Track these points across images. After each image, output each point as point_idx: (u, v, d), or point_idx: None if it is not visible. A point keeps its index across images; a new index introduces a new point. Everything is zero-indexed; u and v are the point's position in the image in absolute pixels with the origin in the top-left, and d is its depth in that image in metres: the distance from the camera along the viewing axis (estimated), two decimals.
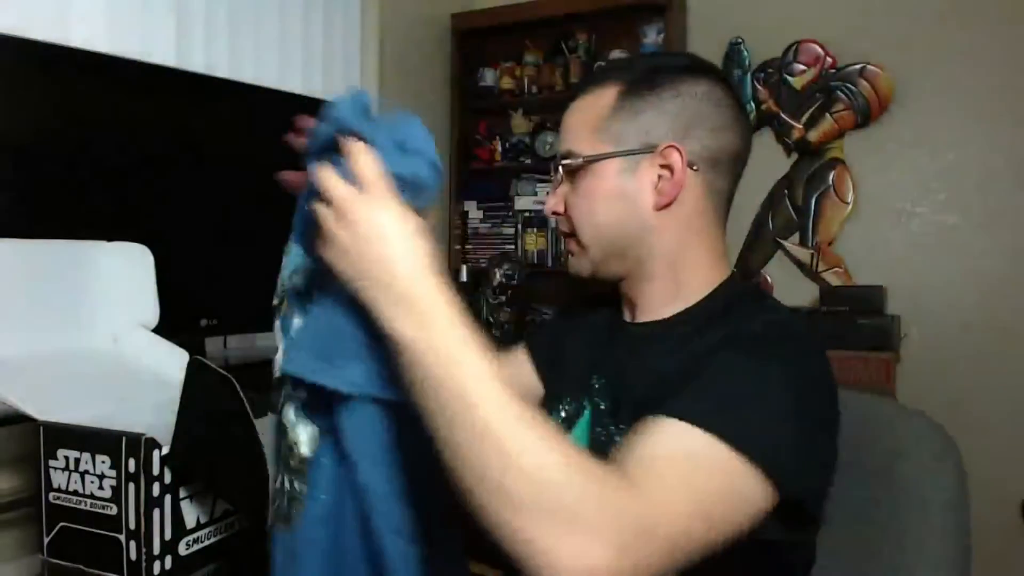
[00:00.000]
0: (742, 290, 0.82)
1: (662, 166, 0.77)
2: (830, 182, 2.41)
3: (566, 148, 0.82)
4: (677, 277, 0.81)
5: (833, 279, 2.40)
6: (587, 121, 0.80)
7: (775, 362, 0.67)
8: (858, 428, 0.85)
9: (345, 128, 0.59)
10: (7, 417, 0.98)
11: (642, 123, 0.78)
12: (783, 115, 2.44)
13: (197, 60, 1.55)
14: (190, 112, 1.36)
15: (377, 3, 2.21)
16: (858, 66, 2.34)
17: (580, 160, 0.80)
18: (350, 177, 0.58)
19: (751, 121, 0.82)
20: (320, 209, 0.60)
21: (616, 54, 2.52)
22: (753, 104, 2.47)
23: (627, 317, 0.87)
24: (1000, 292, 2.22)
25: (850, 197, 2.39)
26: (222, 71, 1.59)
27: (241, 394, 0.81)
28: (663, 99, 0.78)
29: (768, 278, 2.51)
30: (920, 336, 2.29)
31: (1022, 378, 2.18)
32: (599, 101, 0.80)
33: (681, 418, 0.61)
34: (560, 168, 0.82)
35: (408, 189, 0.60)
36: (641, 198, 0.78)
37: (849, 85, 2.35)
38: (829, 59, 2.38)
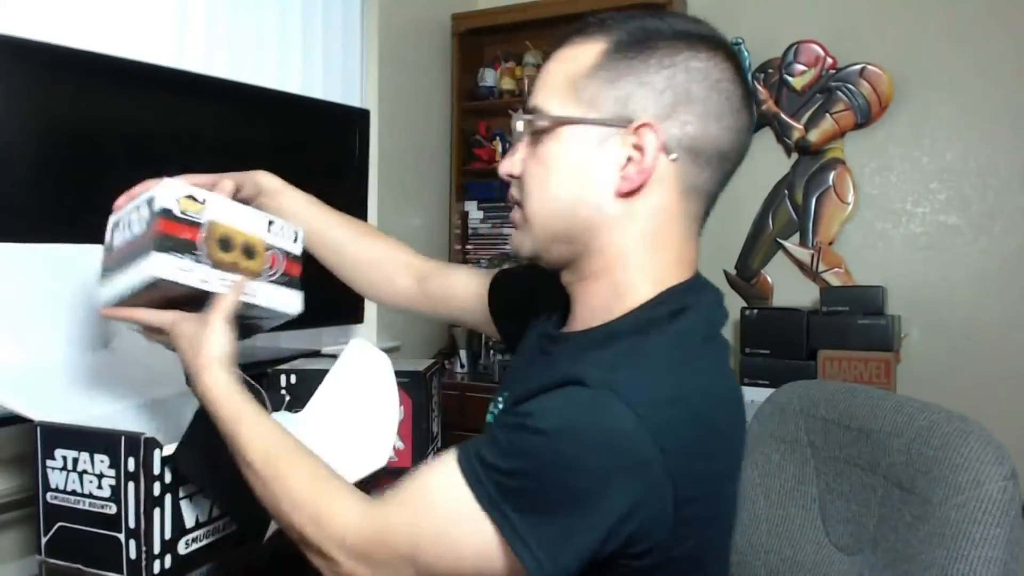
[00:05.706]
0: (649, 317, 0.67)
1: (634, 146, 0.66)
2: (830, 182, 2.41)
3: (534, 103, 0.71)
4: (619, 283, 0.69)
5: (833, 279, 2.40)
6: (562, 76, 0.69)
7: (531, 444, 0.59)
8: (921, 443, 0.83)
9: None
10: (3, 418, 0.98)
11: (621, 91, 0.66)
12: (783, 115, 2.44)
13: (197, 60, 1.55)
14: (190, 112, 1.36)
15: (377, 4, 2.20)
16: (858, 66, 2.34)
17: (545, 119, 0.69)
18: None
19: (753, 115, 0.71)
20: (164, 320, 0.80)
21: None
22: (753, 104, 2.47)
23: (558, 324, 0.78)
24: (1000, 292, 2.22)
25: (850, 197, 2.39)
26: (222, 71, 1.58)
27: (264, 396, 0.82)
28: (651, 67, 0.66)
29: (768, 278, 2.51)
30: (920, 336, 2.29)
31: (1022, 378, 2.18)
32: (580, 56, 0.69)
33: (457, 458, 0.61)
34: (520, 124, 0.71)
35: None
36: (603, 178, 0.67)
37: (849, 85, 2.35)
38: (829, 59, 2.38)
